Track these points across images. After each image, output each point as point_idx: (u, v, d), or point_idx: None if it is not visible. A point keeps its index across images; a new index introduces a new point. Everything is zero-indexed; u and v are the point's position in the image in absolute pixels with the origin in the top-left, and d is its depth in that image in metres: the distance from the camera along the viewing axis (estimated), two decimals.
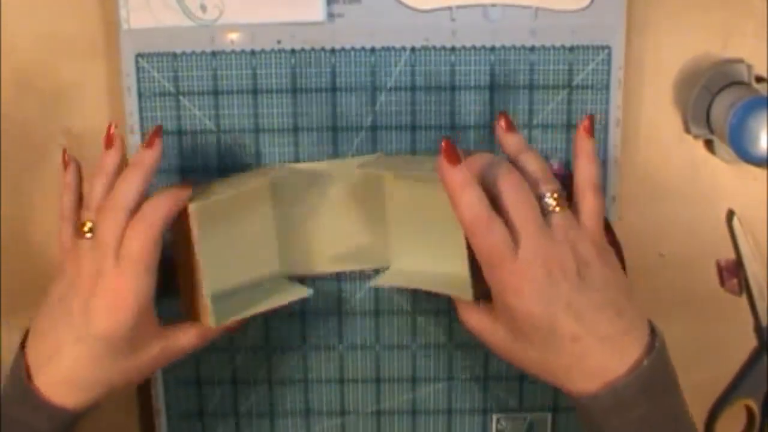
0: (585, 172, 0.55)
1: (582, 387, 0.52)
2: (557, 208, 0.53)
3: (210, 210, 0.57)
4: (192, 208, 0.55)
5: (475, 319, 0.56)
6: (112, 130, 0.56)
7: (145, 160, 0.55)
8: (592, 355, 0.51)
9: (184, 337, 0.58)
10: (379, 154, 0.64)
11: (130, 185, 0.54)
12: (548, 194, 0.53)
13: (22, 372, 0.55)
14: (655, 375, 0.51)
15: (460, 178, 0.51)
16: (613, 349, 0.51)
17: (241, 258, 0.62)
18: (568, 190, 0.55)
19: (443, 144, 0.52)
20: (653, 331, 0.53)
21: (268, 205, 0.63)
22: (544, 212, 0.53)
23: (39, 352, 0.55)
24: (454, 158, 0.52)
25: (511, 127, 0.57)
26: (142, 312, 0.54)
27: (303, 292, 0.62)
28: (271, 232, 0.63)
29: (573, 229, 0.53)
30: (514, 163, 0.55)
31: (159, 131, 0.56)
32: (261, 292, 0.62)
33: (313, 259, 0.65)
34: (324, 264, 0.65)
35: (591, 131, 0.56)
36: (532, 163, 0.55)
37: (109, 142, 0.56)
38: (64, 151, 0.59)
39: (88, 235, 0.55)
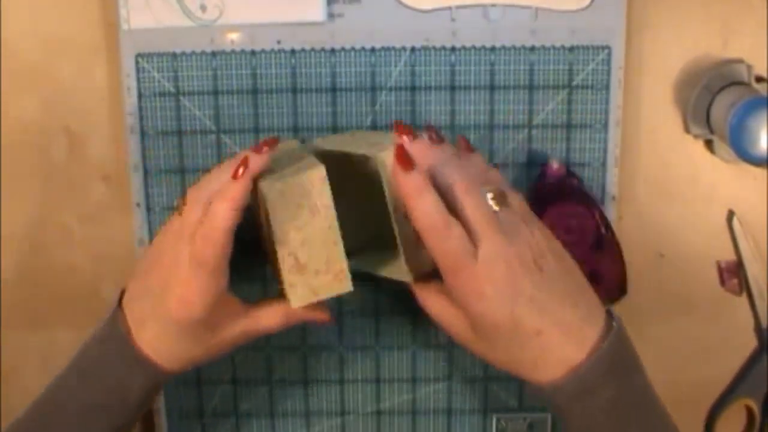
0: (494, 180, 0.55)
1: (547, 377, 0.52)
2: (501, 207, 0.53)
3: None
4: (317, 174, 0.52)
5: (437, 306, 0.55)
6: (267, 144, 0.54)
7: (252, 166, 0.52)
8: (555, 345, 0.51)
9: (268, 319, 0.57)
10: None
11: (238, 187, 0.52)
12: (490, 194, 0.53)
13: (119, 328, 0.55)
14: (616, 356, 0.52)
15: (415, 183, 0.51)
16: (574, 337, 0.52)
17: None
18: (565, 189, 0.55)
19: (396, 149, 0.51)
20: (610, 314, 0.53)
21: None
22: None
23: (133, 315, 0.56)
24: (408, 163, 0.51)
25: (438, 137, 0.55)
26: (210, 305, 0.54)
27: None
28: None
29: (522, 222, 0.53)
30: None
31: (274, 143, 0.54)
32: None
33: None
34: None
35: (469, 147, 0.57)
36: (475, 163, 0.55)
37: (259, 148, 0.53)
38: (246, 157, 0.53)
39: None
